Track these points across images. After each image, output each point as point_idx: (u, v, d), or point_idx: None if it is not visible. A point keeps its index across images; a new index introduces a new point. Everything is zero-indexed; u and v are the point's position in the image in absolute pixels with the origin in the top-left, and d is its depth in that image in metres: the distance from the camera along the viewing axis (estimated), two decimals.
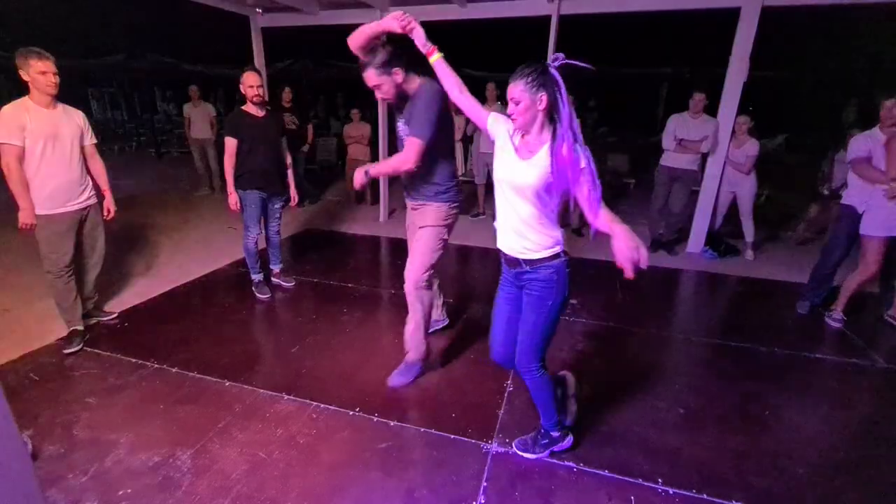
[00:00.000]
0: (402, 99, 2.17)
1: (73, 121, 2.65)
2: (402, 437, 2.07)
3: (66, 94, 2.65)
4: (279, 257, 3.69)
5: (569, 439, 1.97)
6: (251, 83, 3.13)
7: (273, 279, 3.70)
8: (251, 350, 2.80)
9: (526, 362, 1.75)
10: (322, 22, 5.32)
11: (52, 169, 2.55)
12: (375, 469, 1.89)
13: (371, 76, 2.06)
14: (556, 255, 1.66)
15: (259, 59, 5.69)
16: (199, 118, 6.74)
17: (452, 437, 2.06)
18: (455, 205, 2.36)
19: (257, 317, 3.27)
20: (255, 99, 3.16)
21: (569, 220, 5.24)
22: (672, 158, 4.43)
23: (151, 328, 3.02)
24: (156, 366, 2.56)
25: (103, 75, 15.06)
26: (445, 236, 2.36)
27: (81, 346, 2.71)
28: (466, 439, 2.05)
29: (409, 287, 2.32)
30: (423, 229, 2.32)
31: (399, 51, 2.04)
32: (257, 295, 3.48)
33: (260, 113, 3.23)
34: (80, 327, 2.78)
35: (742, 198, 4.47)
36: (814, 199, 5.06)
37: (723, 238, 4.66)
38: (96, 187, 2.84)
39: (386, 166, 2.48)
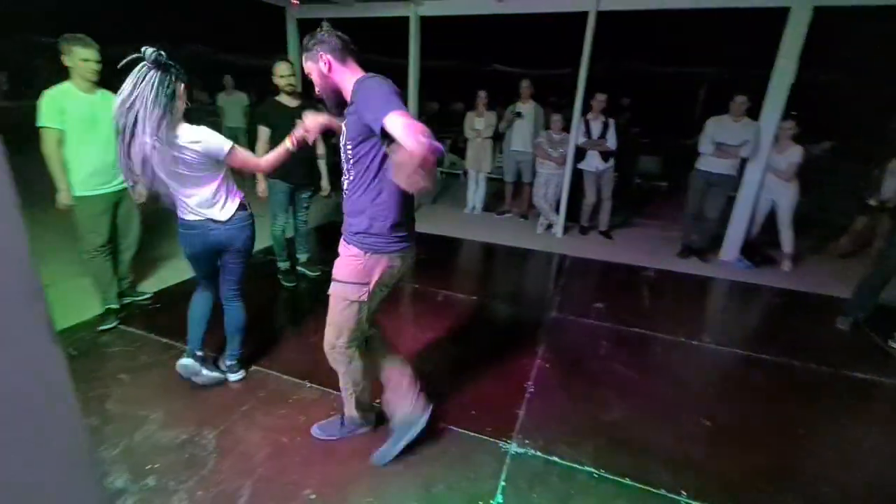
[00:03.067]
0: (333, 100, 1.63)
1: (111, 106, 2.73)
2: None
3: (108, 81, 2.73)
4: (306, 247, 3.75)
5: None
6: (282, 73, 3.17)
7: (299, 268, 3.75)
8: (276, 337, 2.85)
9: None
10: (356, 14, 5.35)
11: (90, 152, 2.63)
12: (393, 462, 1.89)
13: (307, 65, 1.60)
14: None
15: (294, 50, 5.77)
16: (231, 108, 6.88)
17: (471, 434, 2.05)
18: (384, 253, 1.60)
19: (282, 304, 3.33)
20: (286, 88, 3.20)
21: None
22: (709, 163, 4.28)
23: (181, 310, 3.09)
24: (185, 347, 2.63)
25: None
26: (361, 297, 1.63)
27: (116, 324, 2.81)
28: (485, 437, 2.04)
29: (324, 347, 1.78)
30: (333, 282, 1.69)
31: (333, 37, 1.55)
32: (283, 283, 3.55)
33: (293, 103, 3.27)
34: (116, 305, 2.89)
35: (782, 207, 4.28)
36: (860, 210, 4.81)
37: (759, 247, 4.49)
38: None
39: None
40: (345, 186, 1.64)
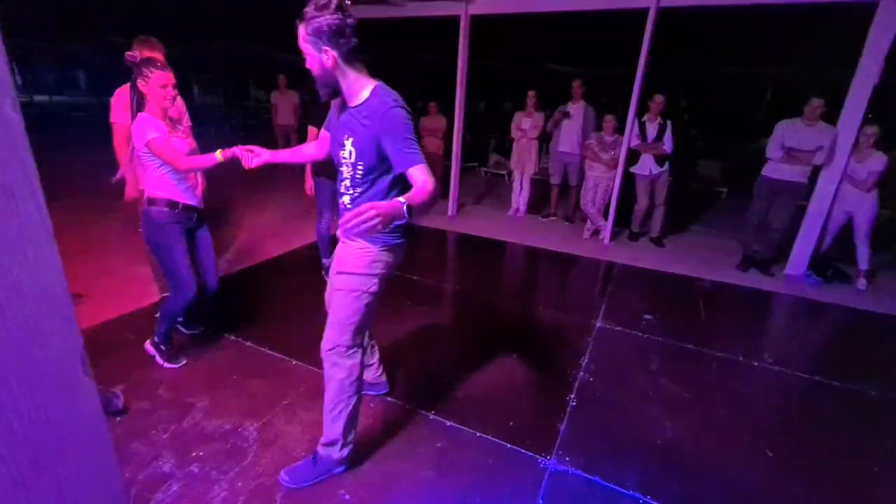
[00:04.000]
0: (328, 88, 1.56)
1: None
2: (457, 438, 2.03)
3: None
4: None
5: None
6: None
7: None
8: (317, 332, 2.88)
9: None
10: (408, 14, 5.36)
11: None
12: (429, 468, 1.86)
13: (301, 34, 1.44)
14: None
15: None
16: (284, 105, 7.13)
17: (509, 446, 1.99)
18: (390, 247, 1.66)
19: (324, 301, 3.38)
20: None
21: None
22: (777, 169, 3.98)
23: (230, 302, 3.21)
24: (232, 338, 2.72)
25: (205, 62, 16.44)
26: (374, 288, 1.66)
27: None
28: (524, 451, 1.96)
29: (322, 350, 1.72)
30: (339, 277, 1.68)
31: (345, 29, 1.41)
32: (326, 279, 3.60)
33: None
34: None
35: (859, 219, 3.91)
36: None
37: (830, 262, 4.12)
38: None
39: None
40: (347, 200, 1.64)
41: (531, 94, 5.35)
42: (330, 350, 1.67)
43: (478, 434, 2.05)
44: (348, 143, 1.55)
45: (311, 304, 3.25)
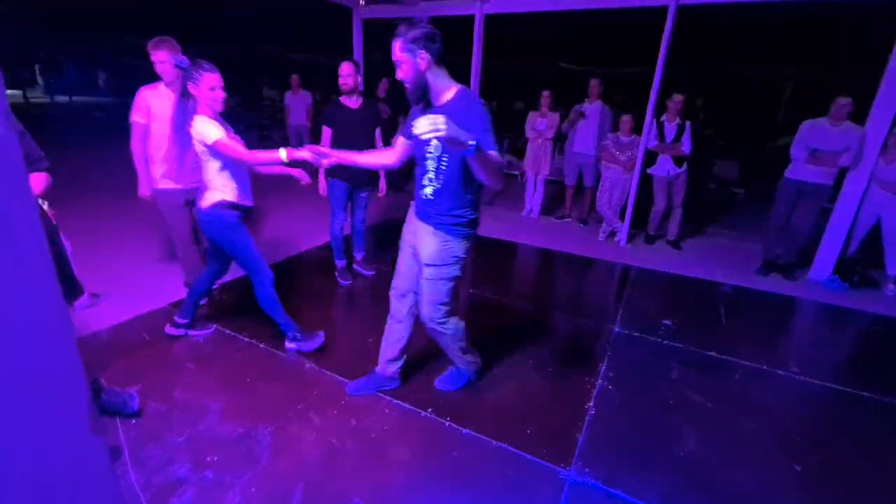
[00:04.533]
0: (419, 92, 1.78)
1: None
2: (473, 447, 1.98)
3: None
4: (363, 245, 3.77)
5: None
6: (342, 72, 3.20)
7: (355, 266, 3.79)
8: (331, 335, 2.87)
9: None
10: (422, 13, 5.33)
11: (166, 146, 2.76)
12: (445, 478, 1.82)
13: (396, 48, 1.72)
14: None
15: (358, 49, 5.86)
16: (296, 106, 7.14)
17: (527, 456, 1.94)
18: (467, 237, 1.96)
19: (338, 302, 3.36)
20: (343, 88, 3.22)
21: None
22: (801, 170, 3.86)
23: (245, 303, 3.20)
24: (246, 339, 2.71)
25: (220, 64, 16.62)
26: (458, 273, 1.99)
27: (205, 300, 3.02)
28: (542, 462, 1.91)
29: (425, 324, 2.06)
30: (430, 269, 1.94)
31: (435, 37, 1.71)
32: (339, 280, 3.58)
33: (354, 104, 3.29)
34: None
35: (888, 223, 3.78)
36: None
37: (857, 266, 3.99)
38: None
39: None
40: (429, 191, 1.86)
41: (545, 94, 5.28)
42: (430, 323, 2.03)
43: (494, 443, 2.00)
44: (436, 146, 1.78)
45: (324, 307, 3.24)
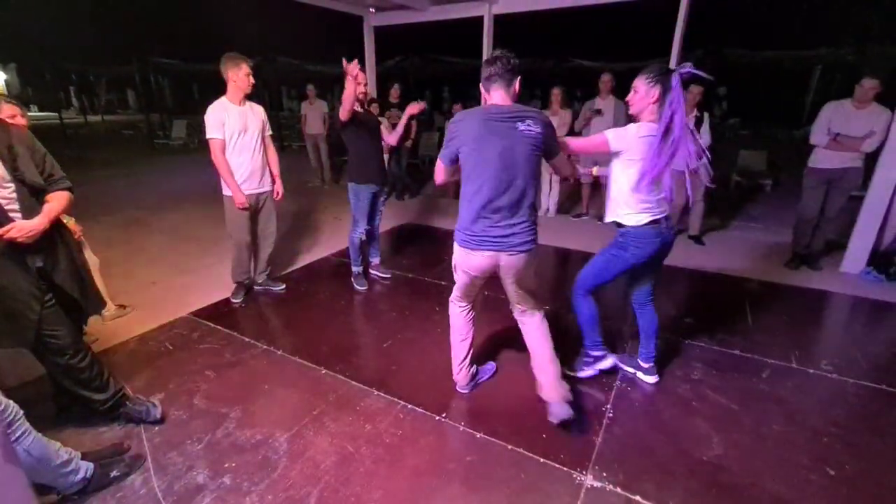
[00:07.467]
0: None
1: (257, 115, 3.06)
2: (488, 452, 1.96)
3: (209, 93, 2.99)
4: (379, 249, 3.80)
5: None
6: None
7: (371, 271, 3.81)
8: (347, 341, 2.89)
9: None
10: (431, 18, 5.35)
11: (242, 157, 2.98)
12: (459, 483, 1.81)
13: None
14: None
15: (370, 57, 5.92)
16: (313, 115, 7.30)
17: (543, 460, 1.91)
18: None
19: (355, 308, 3.39)
20: (358, 96, 3.25)
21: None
22: (826, 159, 3.68)
23: (262, 310, 3.28)
24: (264, 347, 2.76)
25: None
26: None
27: (241, 299, 3.33)
28: (559, 466, 1.88)
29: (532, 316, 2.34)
30: (527, 280, 2.34)
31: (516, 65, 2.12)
32: (356, 286, 3.62)
33: (363, 109, 3.34)
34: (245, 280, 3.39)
35: None
36: None
37: (893, 258, 3.79)
38: (269, 173, 3.24)
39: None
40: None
41: (556, 91, 5.21)
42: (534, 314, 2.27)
43: (509, 447, 1.97)
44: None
45: (339, 313, 3.27)
